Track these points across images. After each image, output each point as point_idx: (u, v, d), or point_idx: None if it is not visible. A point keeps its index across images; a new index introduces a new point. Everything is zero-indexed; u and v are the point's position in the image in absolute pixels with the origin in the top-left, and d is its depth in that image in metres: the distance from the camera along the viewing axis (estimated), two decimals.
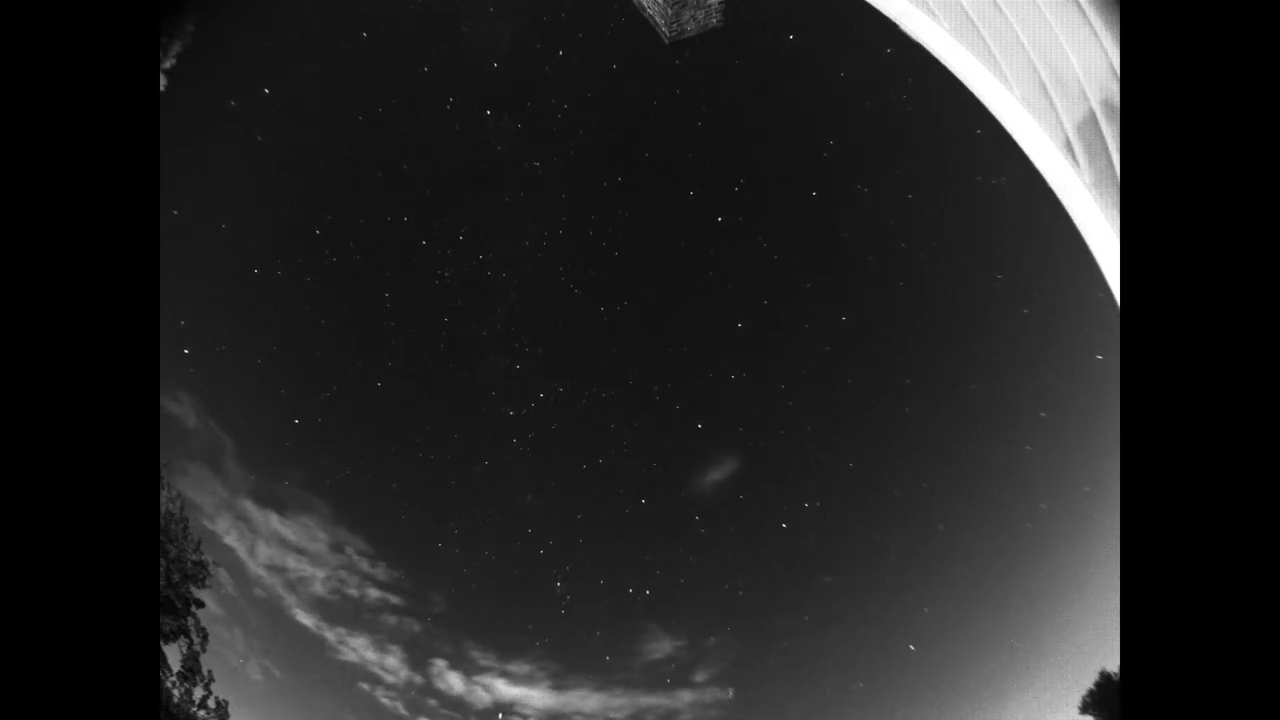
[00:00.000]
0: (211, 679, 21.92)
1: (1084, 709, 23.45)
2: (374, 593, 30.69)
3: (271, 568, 29.98)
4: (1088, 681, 23.58)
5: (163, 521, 20.78)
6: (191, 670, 21.50)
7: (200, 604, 21.97)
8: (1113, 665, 23.20)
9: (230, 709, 22.04)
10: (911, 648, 30.01)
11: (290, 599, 30.25)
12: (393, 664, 31.06)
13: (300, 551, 30.09)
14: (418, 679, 31.13)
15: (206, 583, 22.14)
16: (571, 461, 30.87)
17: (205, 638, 21.89)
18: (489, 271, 29.04)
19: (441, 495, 30.68)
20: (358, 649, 30.89)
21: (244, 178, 27.17)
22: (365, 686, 30.91)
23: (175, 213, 24.78)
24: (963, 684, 29.81)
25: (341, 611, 30.62)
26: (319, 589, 30.40)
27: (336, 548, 30.30)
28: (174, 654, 21.29)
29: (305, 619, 30.59)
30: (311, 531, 30.06)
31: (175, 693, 20.96)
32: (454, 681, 31.25)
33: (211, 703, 21.78)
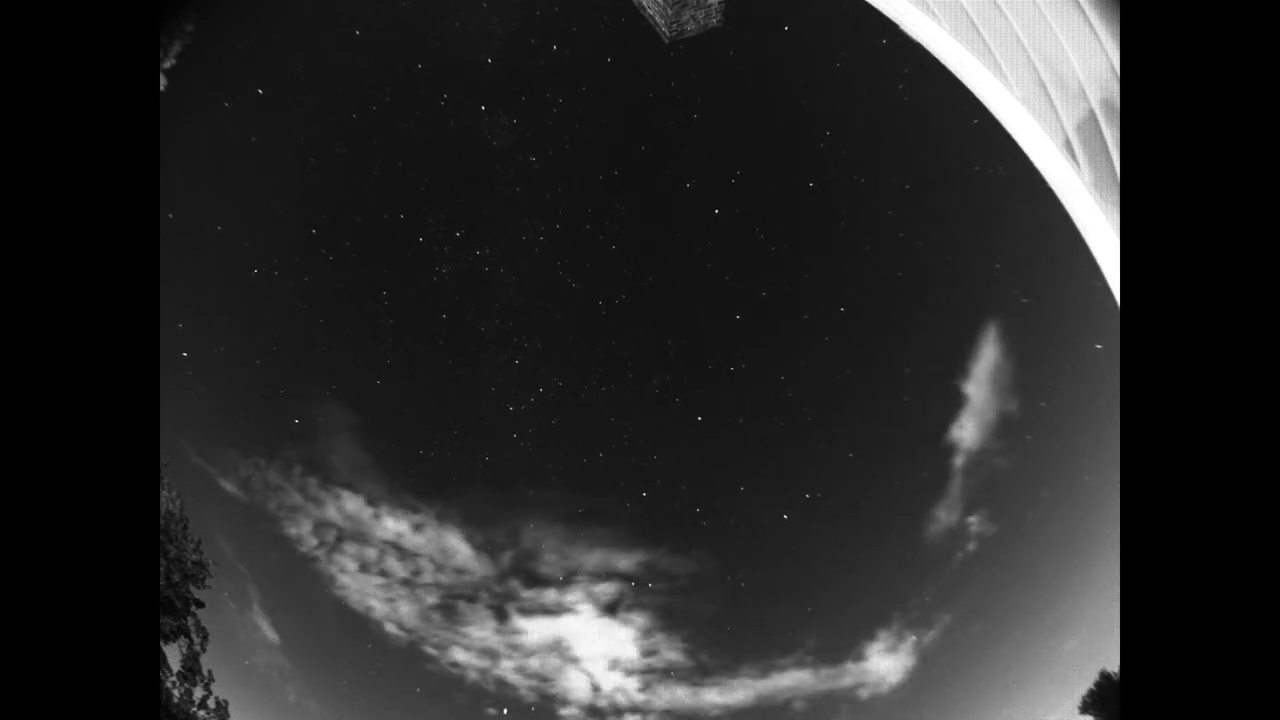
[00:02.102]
0: (211, 679, 21.95)
1: (1084, 709, 23.45)
2: (480, 595, 30.03)
3: (361, 571, 29.40)
4: (1088, 681, 23.64)
5: (163, 521, 20.77)
6: (191, 670, 21.53)
7: (200, 604, 21.98)
8: (1113, 665, 23.20)
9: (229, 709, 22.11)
10: (913, 639, 30.19)
11: (383, 609, 29.68)
12: (505, 672, 30.35)
13: (403, 552, 29.50)
14: (537, 684, 30.57)
15: (206, 582, 22.15)
16: (572, 455, 30.96)
17: (205, 637, 21.91)
18: (486, 267, 28.99)
19: (442, 491, 30.75)
20: (462, 661, 30.18)
21: (239, 178, 27.11)
22: (464, 699, 30.32)
23: (170, 215, 24.72)
24: (963, 678, 29.99)
25: (444, 618, 30.03)
26: (426, 596, 29.67)
27: (432, 546, 29.78)
28: (174, 654, 21.32)
29: (396, 629, 29.80)
30: (413, 529, 29.46)
31: (175, 693, 20.98)
32: (580, 684, 30.83)
33: (211, 703, 21.81)
